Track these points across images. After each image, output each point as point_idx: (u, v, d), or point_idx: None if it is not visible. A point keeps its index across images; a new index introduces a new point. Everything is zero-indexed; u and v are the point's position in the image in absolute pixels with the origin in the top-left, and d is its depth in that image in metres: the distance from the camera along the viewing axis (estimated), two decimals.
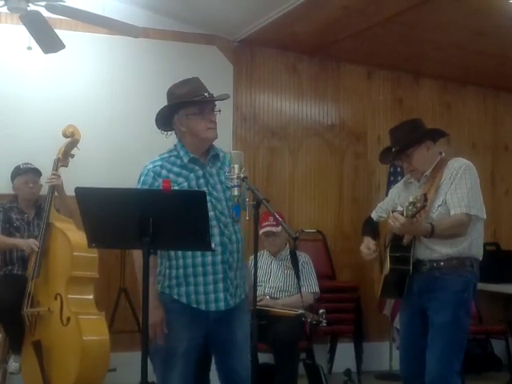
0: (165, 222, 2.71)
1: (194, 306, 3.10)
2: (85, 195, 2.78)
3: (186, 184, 3.13)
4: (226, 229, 3.10)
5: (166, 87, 5.71)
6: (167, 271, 3.13)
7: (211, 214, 3.02)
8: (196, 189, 3.10)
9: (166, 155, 3.24)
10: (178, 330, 3.09)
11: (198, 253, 3.06)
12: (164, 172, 3.18)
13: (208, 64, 5.89)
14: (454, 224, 3.42)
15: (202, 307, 3.10)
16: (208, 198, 2.93)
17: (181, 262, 3.11)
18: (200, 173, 3.16)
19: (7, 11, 4.44)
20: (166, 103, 5.97)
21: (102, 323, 4.55)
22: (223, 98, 3.28)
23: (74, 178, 4.76)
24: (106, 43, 5.56)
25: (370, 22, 5.30)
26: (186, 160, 3.18)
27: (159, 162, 3.22)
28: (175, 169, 3.18)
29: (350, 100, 6.46)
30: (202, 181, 3.14)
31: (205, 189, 3.07)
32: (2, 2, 4.35)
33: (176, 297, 3.11)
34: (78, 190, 2.74)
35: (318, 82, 6.33)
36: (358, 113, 6.47)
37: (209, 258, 3.08)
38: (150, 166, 3.23)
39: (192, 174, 3.15)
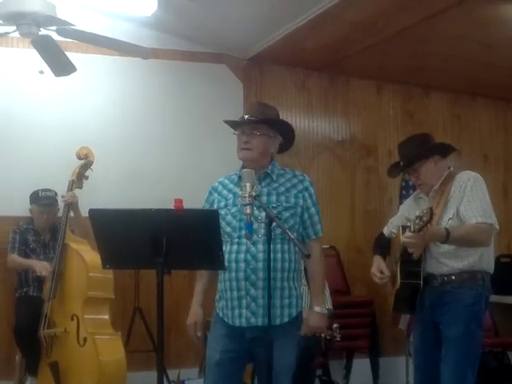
0: (178, 241, 2.72)
1: (225, 319, 3.17)
2: (98, 216, 2.81)
3: (229, 201, 3.20)
4: (253, 246, 3.10)
5: (178, 106, 5.84)
6: (217, 284, 3.24)
7: (241, 232, 3.09)
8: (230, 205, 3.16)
9: (233, 172, 3.31)
10: (214, 341, 3.21)
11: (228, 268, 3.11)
12: (220, 188, 3.28)
13: (218, 82, 5.95)
14: (473, 231, 3.40)
15: (230, 322, 3.16)
16: (240, 216, 3.06)
17: (221, 276, 3.20)
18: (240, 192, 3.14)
19: (19, 35, 4.51)
20: (176, 123, 6.05)
21: (118, 343, 4.58)
22: (252, 120, 3.21)
23: (88, 199, 4.81)
24: (116, 64, 5.62)
25: (378, 37, 5.32)
26: (235, 178, 3.25)
27: (221, 179, 3.32)
28: (230, 185, 3.26)
29: (360, 115, 6.48)
30: (238, 200, 3.12)
31: (234, 209, 3.13)
32: (14, 27, 4.41)
33: (217, 309, 3.23)
34: (91, 211, 2.77)
35: (327, 98, 6.36)
36: (369, 127, 6.49)
37: (232, 274, 3.12)
38: (215, 182, 3.34)
39: (238, 192, 3.13)
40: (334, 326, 4.41)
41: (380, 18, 4.97)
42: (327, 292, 5.05)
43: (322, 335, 4.39)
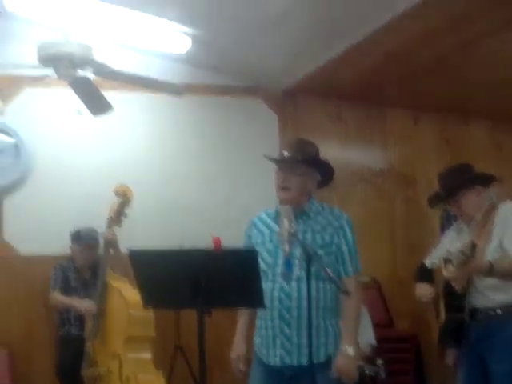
0: (217, 280, 2.71)
1: (262, 358, 3.15)
2: (138, 257, 2.82)
3: (266, 238, 3.19)
4: (288, 284, 3.07)
5: (213, 142, 5.86)
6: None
7: (277, 269, 3.07)
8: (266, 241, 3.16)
9: (272, 208, 3.29)
10: (254, 379, 3.20)
11: None
12: (258, 223, 3.27)
13: (253, 116, 5.98)
14: None
15: (265, 360, 3.14)
16: (277, 253, 3.06)
17: (258, 313, 3.19)
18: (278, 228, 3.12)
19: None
20: (212, 158, 6.06)
21: (161, 382, 4.55)
22: (291, 159, 3.19)
23: (127, 236, 4.85)
24: (152, 101, 5.67)
25: (413, 66, 5.30)
26: (273, 214, 3.23)
27: (262, 214, 3.31)
28: (268, 221, 3.24)
29: (397, 144, 6.43)
30: (276, 237, 3.11)
31: (271, 245, 3.12)
32: (51, 70, 4.50)
33: (254, 347, 3.22)
34: (131, 252, 2.78)
35: (363, 129, 6.33)
36: (407, 157, 6.44)
37: (267, 313, 3.10)
38: (255, 217, 3.33)
39: (276, 228, 3.13)
40: (379, 362, 4.32)
41: (415, 47, 4.95)
42: (370, 326, 4.98)
43: (367, 372, 4.31)
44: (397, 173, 6.39)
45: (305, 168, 3.18)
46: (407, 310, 5.95)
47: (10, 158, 5.35)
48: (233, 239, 3.45)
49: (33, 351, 5.24)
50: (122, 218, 4.97)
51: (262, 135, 5.89)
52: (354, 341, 3.12)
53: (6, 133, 5.36)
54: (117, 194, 4.96)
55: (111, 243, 4.90)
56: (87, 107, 4.78)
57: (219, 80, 5.89)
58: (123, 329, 4.59)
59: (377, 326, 5.17)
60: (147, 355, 4.61)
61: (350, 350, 3.06)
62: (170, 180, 5.72)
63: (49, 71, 4.49)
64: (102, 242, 5.00)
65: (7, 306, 5.24)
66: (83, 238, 5.15)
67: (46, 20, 4.97)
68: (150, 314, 4.57)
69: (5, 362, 5.08)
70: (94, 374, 4.62)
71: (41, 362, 5.21)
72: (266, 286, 3.03)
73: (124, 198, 4.95)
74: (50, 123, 5.49)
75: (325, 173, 3.29)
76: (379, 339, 5.03)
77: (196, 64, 5.73)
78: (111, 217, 4.94)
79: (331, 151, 6.11)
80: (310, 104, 6.17)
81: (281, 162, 3.22)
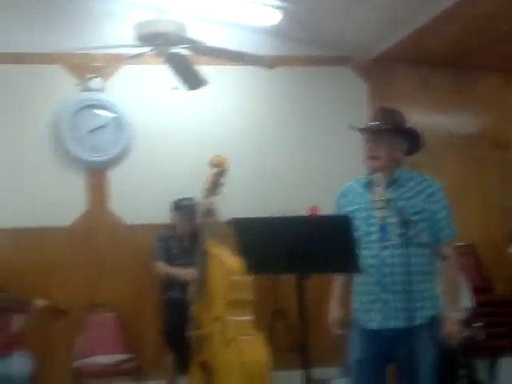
0: (314, 246, 2.83)
1: (360, 322, 3.25)
2: (240, 225, 2.97)
3: (359, 206, 3.22)
4: (383, 251, 3.12)
5: (302, 112, 5.96)
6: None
7: (372, 236, 3.13)
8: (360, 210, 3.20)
9: (362, 176, 3.32)
10: (354, 341, 3.29)
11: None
12: (349, 192, 3.31)
13: (341, 85, 6.03)
14: None
15: (363, 325, 3.23)
16: (371, 220, 3.10)
17: (355, 279, 3.28)
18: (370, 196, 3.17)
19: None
20: (302, 128, 6.12)
21: (262, 344, 4.73)
22: (379, 128, 3.22)
23: (224, 205, 5.05)
24: (243, 74, 5.83)
25: (503, 29, 5.21)
26: (365, 183, 3.26)
27: (350, 183, 3.35)
28: (359, 189, 3.28)
29: (487, 108, 6.33)
30: (369, 205, 3.16)
31: (364, 213, 3.16)
32: (149, 48, 4.71)
33: (354, 312, 3.30)
34: (233, 220, 2.93)
35: (453, 94, 6.27)
36: (499, 121, 6.34)
37: (365, 279, 3.17)
38: (344, 186, 3.37)
39: (369, 196, 3.18)
40: (478, 324, 4.33)
41: (506, 10, 4.86)
42: (466, 290, 4.99)
43: (465, 334, 4.35)
44: (489, 136, 6.30)
45: (392, 136, 3.20)
46: (503, 275, 5.92)
47: (111, 133, 5.64)
48: (322, 207, 3.52)
49: (140, 314, 5.57)
50: (219, 187, 5.17)
51: (350, 104, 5.95)
52: (457, 305, 3.22)
53: (107, 109, 5.64)
54: (212, 164, 5.14)
55: (209, 212, 5.10)
56: (182, 82, 4.97)
57: (308, 51, 5.96)
58: (224, 293, 4.78)
59: (475, 290, 5.16)
60: (248, 318, 4.79)
61: (455, 315, 3.15)
62: (262, 150, 5.88)
63: (146, 49, 4.71)
64: (200, 211, 5.23)
65: (114, 272, 5.57)
66: (183, 208, 5.39)
67: (142, 0, 5.19)
68: (249, 278, 4.75)
69: (114, 325, 5.43)
70: (198, 335, 4.87)
71: (148, 324, 5.53)
72: (361, 253, 3.08)
73: (220, 168, 5.12)
74: (148, 98, 5.73)
75: (413, 140, 3.30)
76: (478, 304, 5.02)
77: (285, 36, 5.83)
78: (208, 187, 5.14)
79: (421, 118, 6.10)
80: (399, 71, 6.16)
81: (368, 132, 3.25)
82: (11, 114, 5.51)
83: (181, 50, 4.75)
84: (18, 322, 5.04)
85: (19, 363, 4.83)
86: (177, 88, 4.98)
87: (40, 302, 4.94)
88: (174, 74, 4.88)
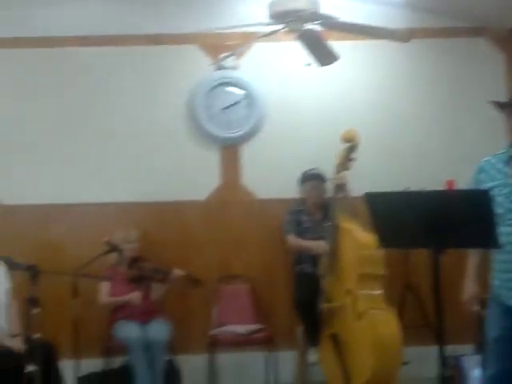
0: (451, 221, 2.82)
1: (501, 298, 3.21)
2: (374, 199, 3.01)
3: (499, 182, 3.18)
4: None
5: (437, 85, 5.84)
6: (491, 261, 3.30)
7: None
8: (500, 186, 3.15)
9: (501, 151, 3.27)
10: (492, 318, 3.27)
11: (498, 249, 3.08)
12: (487, 167, 3.26)
13: (477, 57, 5.87)
14: None
15: (506, 302, 3.19)
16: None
17: (494, 256, 3.25)
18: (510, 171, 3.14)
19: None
20: (436, 102, 5.98)
21: (393, 317, 4.75)
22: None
23: (355, 180, 5.08)
24: (375, 48, 5.78)
25: None
26: (505, 158, 3.22)
27: (489, 158, 3.30)
28: (498, 165, 3.23)
29: None
30: (510, 180, 3.13)
31: (506, 190, 3.12)
32: (282, 26, 4.78)
33: (493, 288, 3.28)
34: (367, 194, 2.97)
35: None
36: None
37: (504, 256, 3.14)
38: (482, 161, 3.32)
39: (509, 171, 3.14)
40: None
41: None
42: None
43: None
44: None
45: None
46: None
47: (244, 110, 5.78)
48: (458, 182, 3.44)
49: (272, 285, 5.70)
50: (350, 162, 5.19)
51: (486, 76, 5.78)
52: None
53: (240, 86, 5.78)
54: (344, 139, 5.16)
55: (341, 187, 5.15)
56: (315, 58, 5.01)
57: (440, 23, 5.83)
58: (355, 267, 4.83)
59: None
60: (379, 292, 4.82)
61: None
62: (395, 124, 5.83)
63: (279, 27, 4.78)
64: (331, 186, 5.28)
65: (247, 245, 5.73)
66: (309, 177, 5.47)
67: None
68: (381, 253, 4.77)
69: (248, 296, 5.61)
70: (329, 308, 4.95)
71: (280, 294, 5.66)
72: (503, 230, 3.04)
73: (351, 144, 5.14)
74: (280, 75, 5.81)
75: None
76: None
77: (418, 8, 5.72)
78: (339, 162, 5.17)
79: None
80: None
81: (507, 107, 3.17)
82: (149, 93, 5.76)
83: (313, 26, 4.78)
84: (157, 291, 5.32)
85: (158, 329, 5.10)
86: (309, 64, 5.02)
87: (178, 273, 5.19)
88: (307, 50, 4.92)
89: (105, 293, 5.27)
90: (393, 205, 2.97)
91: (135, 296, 5.12)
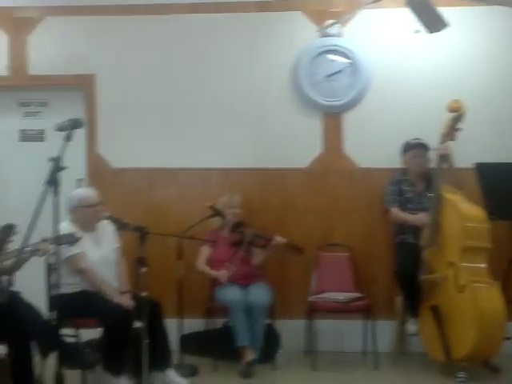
0: None
1: None
2: (485, 170, 2.98)
3: None
4: None
5: None
6: None
7: None
8: None
9: None
10: None
11: None
12: None
13: None
14: None
15: None
16: None
17: None
18: None
19: None
20: None
21: (497, 292, 4.67)
22: None
23: (460, 151, 4.98)
24: (485, 15, 5.59)
25: None
26: None
27: None
28: None
29: None
30: None
31: None
32: None
33: None
34: (479, 165, 2.94)
35: None
36: None
37: None
38: None
39: None
40: None
41: None
42: None
43: None
44: None
45: None
46: None
47: (348, 78, 5.73)
48: None
49: (372, 254, 5.69)
50: (456, 132, 5.09)
51: None
52: None
53: (344, 54, 5.74)
54: (450, 109, 5.06)
55: (445, 158, 5.05)
56: (423, 25, 4.90)
57: None
58: (459, 239, 4.77)
59: None
60: (482, 265, 4.75)
61: None
62: (502, 94, 5.63)
63: None
64: (435, 156, 5.20)
65: (348, 213, 5.73)
66: (412, 146, 5.40)
67: None
68: (486, 226, 4.67)
69: (347, 264, 5.62)
70: (430, 280, 4.91)
71: (380, 264, 5.65)
72: None
73: (457, 113, 5.03)
74: (385, 42, 5.72)
75: None
76: None
77: None
78: (444, 132, 5.08)
79: None
80: None
81: None
82: (255, 60, 5.80)
83: None
84: (258, 256, 5.42)
85: (259, 293, 5.20)
86: (418, 31, 4.94)
87: (279, 239, 5.27)
88: (415, 16, 4.83)
89: (202, 258, 5.41)
90: (505, 176, 2.92)
91: (223, 274, 5.23)
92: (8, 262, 4.06)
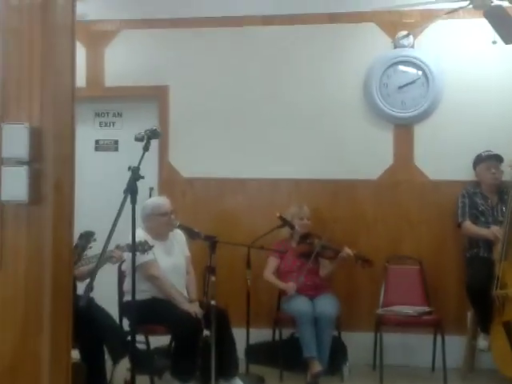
0: None
1: None
2: None
3: None
4: None
5: None
6: None
7: None
8: None
9: None
10: None
11: None
12: None
13: None
14: None
15: None
16: None
17: None
18: None
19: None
20: None
21: None
22: None
23: None
24: None
25: None
26: None
27: None
28: None
29: None
30: None
31: None
32: (467, 2, 4.66)
33: None
34: None
35: None
36: None
37: None
38: None
39: None
40: None
41: None
42: None
43: None
44: None
45: None
46: None
47: (420, 89, 5.68)
48: None
49: (442, 267, 5.59)
50: None
51: None
52: None
53: (416, 65, 5.69)
54: None
55: None
56: (500, 35, 4.83)
57: None
58: None
59: None
60: None
61: None
62: None
63: (464, 3, 4.65)
64: (509, 169, 5.11)
65: (418, 226, 5.66)
66: (485, 158, 5.32)
67: None
68: None
69: (417, 277, 5.54)
70: (502, 295, 4.80)
71: (450, 277, 5.57)
72: None
73: None
74: (459, 53, 5.64)
75: None
76: None
77: None
78: None
79: None
80: None
81: None
82: (327, 71, 5.80)
83: (501, 1, 4.62)
84: (326, 268, 5.41)
85: (327, 304, 5.18)
86: (496, 42, 4.86)
87: (348, 251, 5.24)
88: (493, 27, 4.76)
89: (270, 268, 5.42)
90: None
91: (291, 287, 5.22)
92: (86, 268, 4.19)
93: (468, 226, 5.25)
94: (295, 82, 5.83)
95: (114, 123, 6.17)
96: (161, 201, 4.94)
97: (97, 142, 6.19)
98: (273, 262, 5.44)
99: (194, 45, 5.94)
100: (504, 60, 5.53)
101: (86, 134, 6.05)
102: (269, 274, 5.41)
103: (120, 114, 6.16)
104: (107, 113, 6.18)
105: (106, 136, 6.18)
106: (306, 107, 5.81)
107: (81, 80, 5.99)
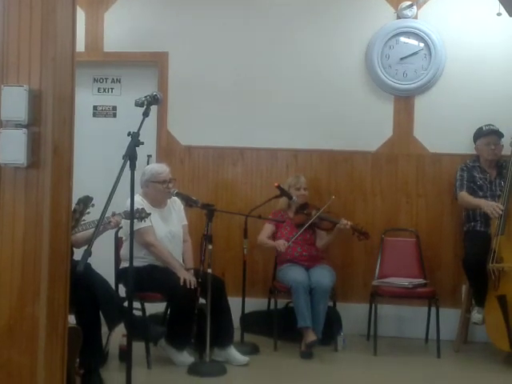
0: None
1: None
2: None
3: None
4: None
5: None
6: None
7: None
8: None
9: None
10: None
11: None
12: None
13: None
14: None
15: None
16: None
17: None
18: None
19: None
20: None
21: None
22: None
23: None
24: None
25: None
26: None
27: None
28: None
29: None
30: None
31: None
32: None
33: None
34: None
35: None
36: None
37: None
38: None
39: None
40: None
41: None
42: None
43: None
44: None
45: None
46: None
47: (422, 61, 5.63)
48: None
49: (439, 241, 5.61)
50: None
51: None
52: None
53: (419, 36, 5.63)
54: None
55: None
56: (505, 7, 4.79)
57: None
58: None
59: None
60: None
61: None
62: None
63: None
64: (509, 144, 5.09)
65: (416, 199, 5.65)
66: (485, 133, 5.30)
67: None
68: None
69: (413, 249, 5.54)
70: (498, 268, 4.82)
71: (446, 251, 5.59)
72: None
73: None
74: (461, 26, 5.59)
75: None
76: None
77: None
78: None
79: None
80: None
81: None
82: (329, 42, 5.74)
83: None
84: (323, 239, 5.41)
85: (322, 275, 5.18)
86: (500, 14, 4.81)
87: (345, 222, 5.23)
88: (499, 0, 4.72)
89: (264, 233, 5.38)
90: None
91: (281, 244, 5.21)
92: (84, 234, 4.18)
93: (463, 195, 5.25)
94: (296, 53, 5.77)
95: (112, 89, 6.11)
96: (160, 168, 4.90)
97: (95, 107, 6.14)
98: (268, 228, 5.40)
99: (195, 12, 5.86)
100: (508, 33, 5.48)
101: (84, 100, 5.98)
102: (261, 237, 5.38)
103: (118, 80, 6.10)
104: (106, 78, 6.12)
105: (104, 102, 6.13)
106: (306, 77, 5.76)
107: (79, 45, 5.88)
